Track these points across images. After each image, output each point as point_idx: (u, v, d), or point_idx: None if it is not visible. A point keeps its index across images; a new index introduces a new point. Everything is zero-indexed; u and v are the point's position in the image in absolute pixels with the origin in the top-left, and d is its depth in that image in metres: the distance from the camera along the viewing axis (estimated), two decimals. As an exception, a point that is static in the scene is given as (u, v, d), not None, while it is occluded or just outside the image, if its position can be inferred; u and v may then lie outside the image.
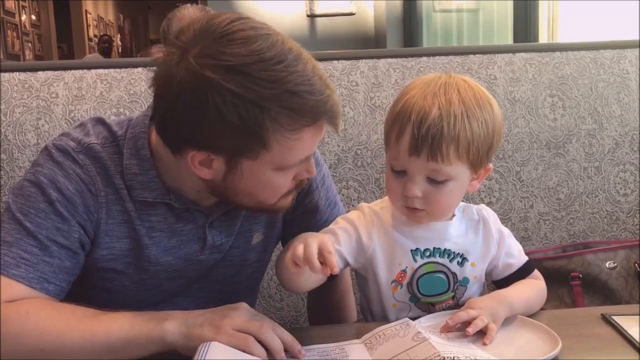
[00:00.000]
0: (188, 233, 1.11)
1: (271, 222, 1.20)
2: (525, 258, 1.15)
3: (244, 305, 1.00)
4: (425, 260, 1.08)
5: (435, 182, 1.01)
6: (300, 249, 0.92)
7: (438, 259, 1.08)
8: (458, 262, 1.09)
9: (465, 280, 1.10)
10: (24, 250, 0.99)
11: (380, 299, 1.11)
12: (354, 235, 1.08)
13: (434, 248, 1.08)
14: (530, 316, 1.08)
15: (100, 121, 1.11)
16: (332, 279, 1.10)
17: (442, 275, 1.09)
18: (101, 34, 9.67)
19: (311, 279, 1.04)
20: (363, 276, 1.13)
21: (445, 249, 1.08)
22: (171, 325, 0.95)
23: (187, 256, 1.12)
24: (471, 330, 0.96)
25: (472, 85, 1.03)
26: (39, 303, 0.98)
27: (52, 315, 0.96)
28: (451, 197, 1.04)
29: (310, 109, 0.94)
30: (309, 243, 0.92)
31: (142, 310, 0.99)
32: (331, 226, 1.11)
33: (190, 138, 0.96)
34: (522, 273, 1.14)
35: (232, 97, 0.90)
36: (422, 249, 1.08)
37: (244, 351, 0.92)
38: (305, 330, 0.98)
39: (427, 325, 1.02)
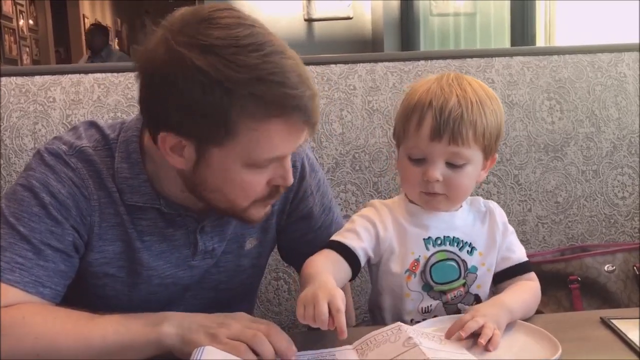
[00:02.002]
0: (179, 238, 1.11)
1: (265, 227, 1.19)
2: (524, 258, 1.18)
3: (242, 314, 1.00)
4: (437, 248, 1.12)
5: (454, 166, 1.07)
6: (310, 310, 0.90)
7: (448, 247, 1.12)
8: (467, 250, 1.13)
9: (474, 268, 1.13)
10: (18, 254, 0.99)
11: (393, 289, 1.13)
12: (372, 231, 1.12)
13: (444, 236, 1.12)
14: (529, 320, 1.08)
15: (92, 124, 1.11)
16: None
17: (453, 263, 1.12)
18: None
19: None
20: (376, 268, 1.15)
21: (454, 237, 1.12)
22: (168, 328, 0.95)
23: (178, 261, 1.12)
24: (483, 340, 0.96)
25: (478, 81, 1.12)
26: (34, 307, 0.97)
27: (48, 319, 0.96)
28: (469, 180, 1.10)
29: (277, 99, 0.92)
30: (319, 302, 0.90)
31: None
32: (350, 225, 1.13)
33: (162, 119, 0.97)
34: (517, 270, 1.16)
35: (200, 75, 0.90)
36: (433, 237, 1.12)
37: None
38: (303, 335, 0.98)
39: (424, 331, 1.01)
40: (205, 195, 1.03)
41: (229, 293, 1.20)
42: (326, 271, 1.01)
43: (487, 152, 1.10)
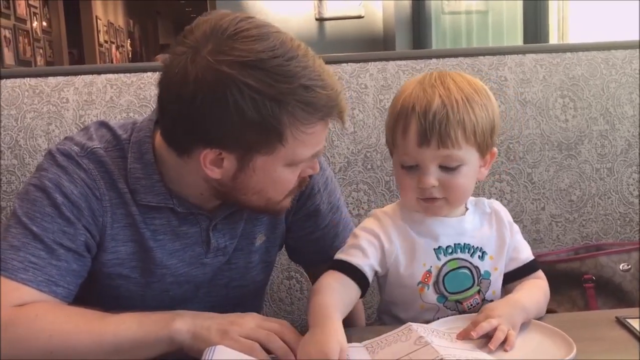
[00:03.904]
0: (192, 236, 1.11)
1: (273, 223, 1.20)
2: (531, 257, 1.15)
3: (254, 314, 1.00)
4: (449, 257, 1.08)
5: (448, 169, 1.03)
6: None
7: (460, 255, 1.09)
8: (479, 256, 1.10)
9: (487, 274, 1.11)
10: (31, 254, 1.00)
11: (406, 302, 1.10)
12: (377, 245, 1.08)
13: (455, 244, 1.09)
14: (544, 319, 1.07)
15: (103, 124, 1.12)
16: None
17: (466, 271, 1.09)
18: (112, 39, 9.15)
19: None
20: (384, 280, 1.12)
21: (465, 244, 1.09)
22: (180, 324, 0.96)
23: (191, 259, 1.12)
24: (493, 346, 0.95)
25: (464, 76, 1.07)
26: (47, 306, 0.98)
27: (61, 318, 0.97)
28: (466, 180, 1.05)
29: (324, 102, 0.96)
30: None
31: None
32: (354, 241, 1.09)
33: (203, 137, 0.97)
34: (526, 270, 1.14)
35: (250, 92, 0.92)
36: (444, 246, 1.08)
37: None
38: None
39: (435, 328, 1.00)
40: (242, 199, 1.05)
41: (240, 290, 1.20)
42: (334, 307, 0.97)
43: (483, 148, 1.05)
